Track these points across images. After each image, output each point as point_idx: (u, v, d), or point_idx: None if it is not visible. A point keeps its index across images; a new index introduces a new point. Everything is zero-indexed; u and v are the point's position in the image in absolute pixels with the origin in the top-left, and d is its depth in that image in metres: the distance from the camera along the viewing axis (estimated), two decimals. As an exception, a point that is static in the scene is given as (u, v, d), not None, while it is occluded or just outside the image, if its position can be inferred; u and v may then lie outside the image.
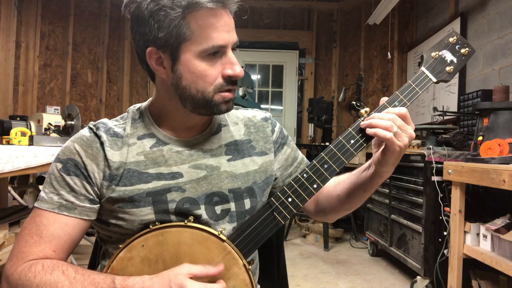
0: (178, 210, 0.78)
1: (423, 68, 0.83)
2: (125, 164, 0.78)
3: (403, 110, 0.76)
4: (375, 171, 0.80)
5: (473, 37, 2.85)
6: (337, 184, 0.90)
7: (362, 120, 0.79)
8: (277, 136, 0.94)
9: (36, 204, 0.77)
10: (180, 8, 0.69)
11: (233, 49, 0.77)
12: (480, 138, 1.90)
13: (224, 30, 0.73)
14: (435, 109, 2.55)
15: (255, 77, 4.75)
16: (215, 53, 0.73)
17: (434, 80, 0.83)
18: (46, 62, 4.32)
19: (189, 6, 0.69)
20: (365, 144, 0.79)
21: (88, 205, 0.77)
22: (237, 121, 0.91)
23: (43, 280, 0.69)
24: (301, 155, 0.99)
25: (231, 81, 0.76)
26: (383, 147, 0.76)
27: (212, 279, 0.72)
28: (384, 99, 0.81)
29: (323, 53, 4.74)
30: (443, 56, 0.84)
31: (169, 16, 0.70)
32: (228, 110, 0.80)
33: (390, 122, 0.74)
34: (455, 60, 0.84)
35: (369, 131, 0.75)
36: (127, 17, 0.77)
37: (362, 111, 0.80)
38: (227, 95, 0.77)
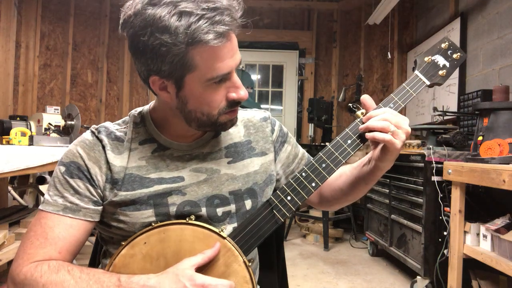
0: (179, 213, 0.79)
1: (416, 72, 0.87)
2: (126, 169, 0.78)
3: (390, 109, 0.79)
4: (375, 166, 0.82)
5: (473, 37, 2.85)
6: (339, 176, 0.92)
7: (360, 121, 0.81)
8: (277, 135, 0.95)
9: (41, 207, 0.78)
10: (183, 45, 0.67)
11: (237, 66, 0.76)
12: (480, 138, 1.90)
13: (228, 57, 0.71)
14: (435, 109, 2.54)
15: (255, 77, 4.75)
16: (220, 80, 0.73)
17: (428, 83, 0.86)
18: (46, 62, 4.33)
19: (192, 43, 0.67)
20: (361, 144, 0.82)
21: (92, 207, 0.78)
22: (237, 123, 0.92)
23: (49, 279, 0.69)
24: (301, 151, 1.00)
25: (235, 103, 0.77)
26: (382, 145, 0.79)
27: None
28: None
29: (323, 53, 4.74)
30: (436, 60, 0.88)
31: (172, 52, 0.68)
32: (232, 125, 0.81)
33: (387, 123, 0.76)
34: (447, 64, 0.88)
35: (368, 135, 0.78)
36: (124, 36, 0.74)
37: (358, 112, 0.82)
38: (231, 115, 0.79)
